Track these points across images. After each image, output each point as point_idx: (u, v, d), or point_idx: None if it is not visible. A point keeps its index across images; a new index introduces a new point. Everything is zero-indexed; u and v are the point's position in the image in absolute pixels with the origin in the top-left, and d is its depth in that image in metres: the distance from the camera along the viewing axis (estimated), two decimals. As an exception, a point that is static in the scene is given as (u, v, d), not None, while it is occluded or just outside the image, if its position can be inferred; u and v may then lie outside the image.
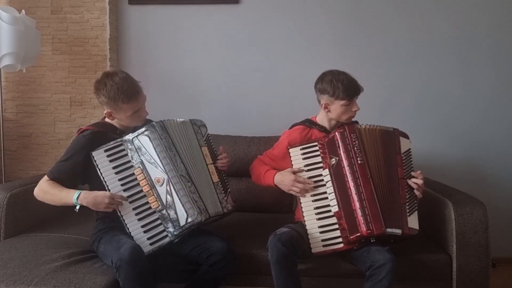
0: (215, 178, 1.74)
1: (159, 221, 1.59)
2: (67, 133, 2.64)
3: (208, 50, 2.66)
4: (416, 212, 1.68)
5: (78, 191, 1.56)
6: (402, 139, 1.77)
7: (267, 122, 2.62)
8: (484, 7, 2.55)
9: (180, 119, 1.76)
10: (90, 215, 1.73)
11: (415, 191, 1.69)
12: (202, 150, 1.75)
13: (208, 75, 2.67)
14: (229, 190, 1.80)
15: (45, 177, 1.64)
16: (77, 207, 1.56)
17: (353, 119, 1.86)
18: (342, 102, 1.75)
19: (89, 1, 2.59)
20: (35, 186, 1.64)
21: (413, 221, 1.65)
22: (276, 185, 1.79)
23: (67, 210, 2.24)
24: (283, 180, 1.74)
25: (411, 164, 1.76)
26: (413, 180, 1.69)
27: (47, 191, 1.61)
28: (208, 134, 1.84)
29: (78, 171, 1.65)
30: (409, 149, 1.78)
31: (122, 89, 1.60)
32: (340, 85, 1.74)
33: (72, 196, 1.55)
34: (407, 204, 1.66)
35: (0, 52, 2.25)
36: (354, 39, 2.60)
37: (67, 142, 2.59)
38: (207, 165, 1.74)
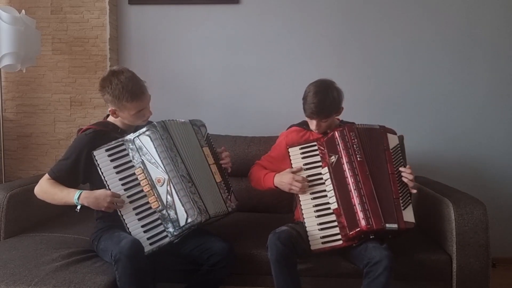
0: (218, 178, 1.75)
1: (159, 221, 1.59)
2: (67, 133, 2.64)
3: (208, 50, 2.66)
4: (410, 206, 1.68)
5: (78, 191, 1.56)
6: (389, 135, 1.77)
7: (267, 122, 2.62)
8: (482, 7, 2.55)
9: (181, 120, 1.76)
10: (90, 215, 1.73)
11: (409, 188, 1.70)
12: (204, 151, 1.75)
13: (208, 75, 2.67)
14: (231, 189, 1.81)
15: (46, 176, 1.65)
16: (78, 207, 1.56)
17: (351, 120, 1.86)
18: (308, 118, 1.82)
19: (89, 1, 2.59)
20: (35, 186, 1.64)
21: (408, 215, 1.65)
22: (276, 187, 1.79)
23: (67, 210, 2.25)
24: (282, 180, 1.75)
25: (400, 159, 1.76)
26: (404, 175, 1.69)
27: (47, 191, 1.62)
28: (208, 134, 1.84)
29: (79, 170, 1.65)
30: (397, 144, 1.79)
31: (127, 88, 1.60)
32: (307, 107, 1.78)
33: (72, 196, 1.55)
34: (400, 198, 1.66)
35: (0, 52, 2.26)
36: (354, 39, 2.59)
37: (67, 142, 2.59)
38: (209, 165, 1.74)
